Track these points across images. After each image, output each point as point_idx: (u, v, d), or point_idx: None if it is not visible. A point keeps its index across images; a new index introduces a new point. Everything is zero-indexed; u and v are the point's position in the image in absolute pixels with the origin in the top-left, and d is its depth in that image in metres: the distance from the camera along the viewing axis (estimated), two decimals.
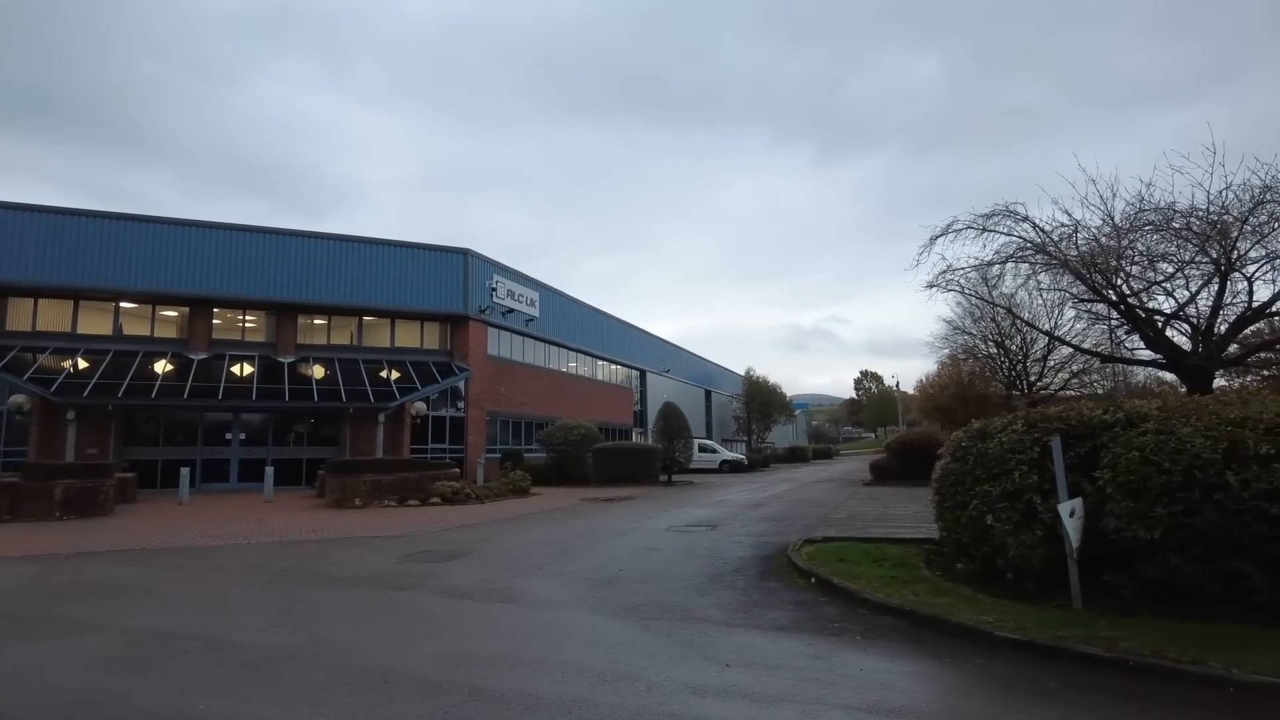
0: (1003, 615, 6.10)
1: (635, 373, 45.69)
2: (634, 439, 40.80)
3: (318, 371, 25.96)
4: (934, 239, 13.93)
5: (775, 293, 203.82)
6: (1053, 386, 28.34)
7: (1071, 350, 22.76)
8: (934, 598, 6.81)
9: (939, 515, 8.43)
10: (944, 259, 14.14)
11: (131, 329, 25.22)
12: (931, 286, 14.62)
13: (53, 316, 24.30)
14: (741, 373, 62.72)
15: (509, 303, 30.56)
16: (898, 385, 79.95)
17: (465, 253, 28.97)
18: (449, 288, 28.41)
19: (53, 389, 21.65)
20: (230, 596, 7.98)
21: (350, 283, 26.77)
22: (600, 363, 41.11)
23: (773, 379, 61.32)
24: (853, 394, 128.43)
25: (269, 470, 21.24)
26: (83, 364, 23.08)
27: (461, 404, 28.77)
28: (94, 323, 24.76)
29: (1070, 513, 6.33)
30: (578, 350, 37.94)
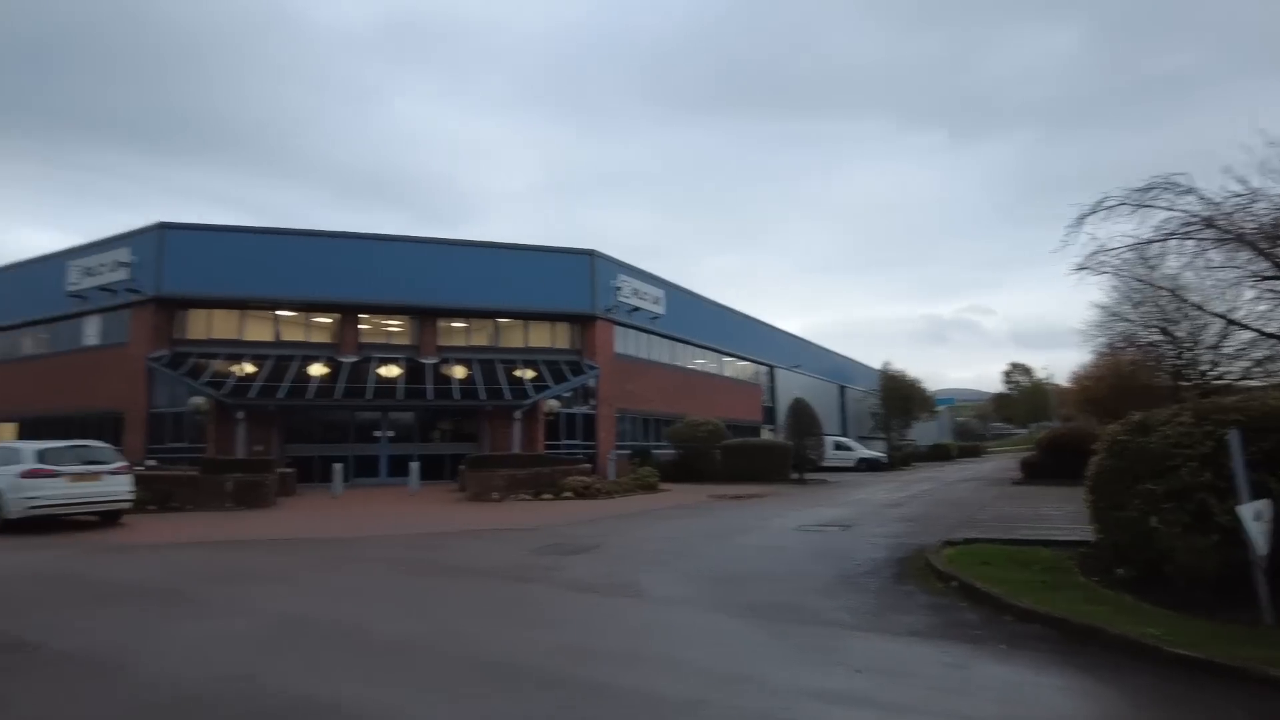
0: (1171, 628, 5.48)
1: (763, 369, 45.05)
2: (763, 436, 40.24)
3: (458, 372, 27.13)
4: (1082, 218, 12.80)
5: (909, 283, 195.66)
6: (1229, 376, 25.57)
7: (1254, 334, 20.39)
8: (1089, 606, 6.23)
9: (1094, 516, 7.74)
10: (1094, 239, 12.98)
11: (289, 335, 27.28)
12: (1081, 269, 13.46)
13: (223, 326, 26.66)
14: (877, 367, 60.54)
15: (634, 301, 30.86)
16: (1050, 378, 74.88)
17: (590, 254, 29.49)
18: (576, 289, 29.02)
19: (224, 391, 23.75)
20: (369, 585, 8.42)
21: (485, 287, 27.82)
22: (726, 359, 40.81)
23: (912, 373, 58.64)
24: (1000, 388, 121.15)
25: (414, 465, 22.43)
26: (249, 368, 25.16)
27: (592, 401, 29.32)
28: (257, 330, 26.98)
29: (1255, 515, 5.61)
30: (703, 347, 37.82)
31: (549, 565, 9.38)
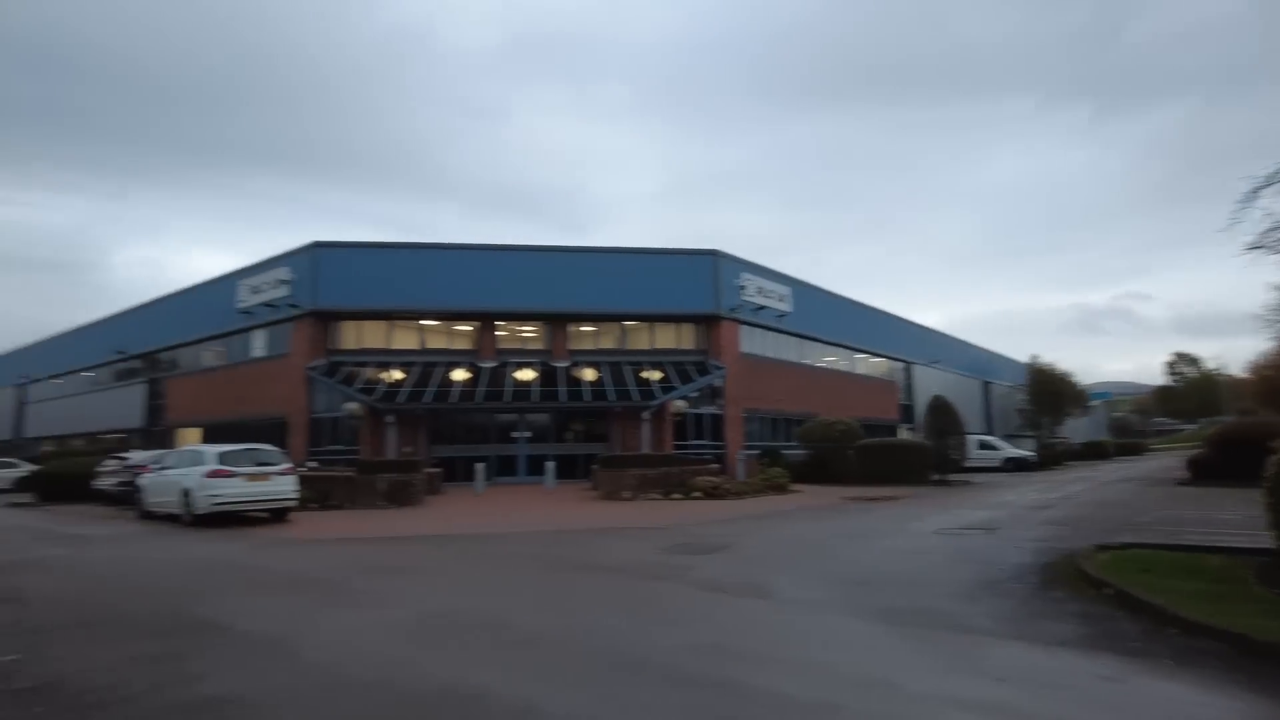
0: None
1: (899, 365, 43.51)
2: (900, 435, 38.84)
3: (588, 374, 27.84)
4: (1256, 191, 11.61)
5: (1056, 271, 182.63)
6: None
7: None
8: (1269, 620, 5.68)
9: (1273, 521, 7.04)
10: (1270, 214, 11.75)
11: (433, 343, 28.91)
12: (1255, 249, 12.22)
13: (372, 336, 28.59)
14: (1024, 360, 57.08)
15: (759, 300, 30.58)
16: (1222, 368, 68.12)
17: (713, 254, 29.49)
18: (700, 289, 29.11)
19: (375, 397, 25.44)
20: (508, 580, 8.82)
21: (611, 291, 28.42)
22: (859, 356, 39.71)
23: (1062, 366, 54.91)
24: (1163, 380, 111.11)
25: (550, 465, 23.22)
26: (397, 375, 26.84)
27: (720, 401, 29.31)
28: (404, 339, 28.75)
29: None
30: (833, 344, 36.97)
31: (680, 564, 9.49)
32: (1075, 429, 59.53)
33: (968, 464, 30.35)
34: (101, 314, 42.33)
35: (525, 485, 25.99)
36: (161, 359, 36.79)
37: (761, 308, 30.83)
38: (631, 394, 26.56)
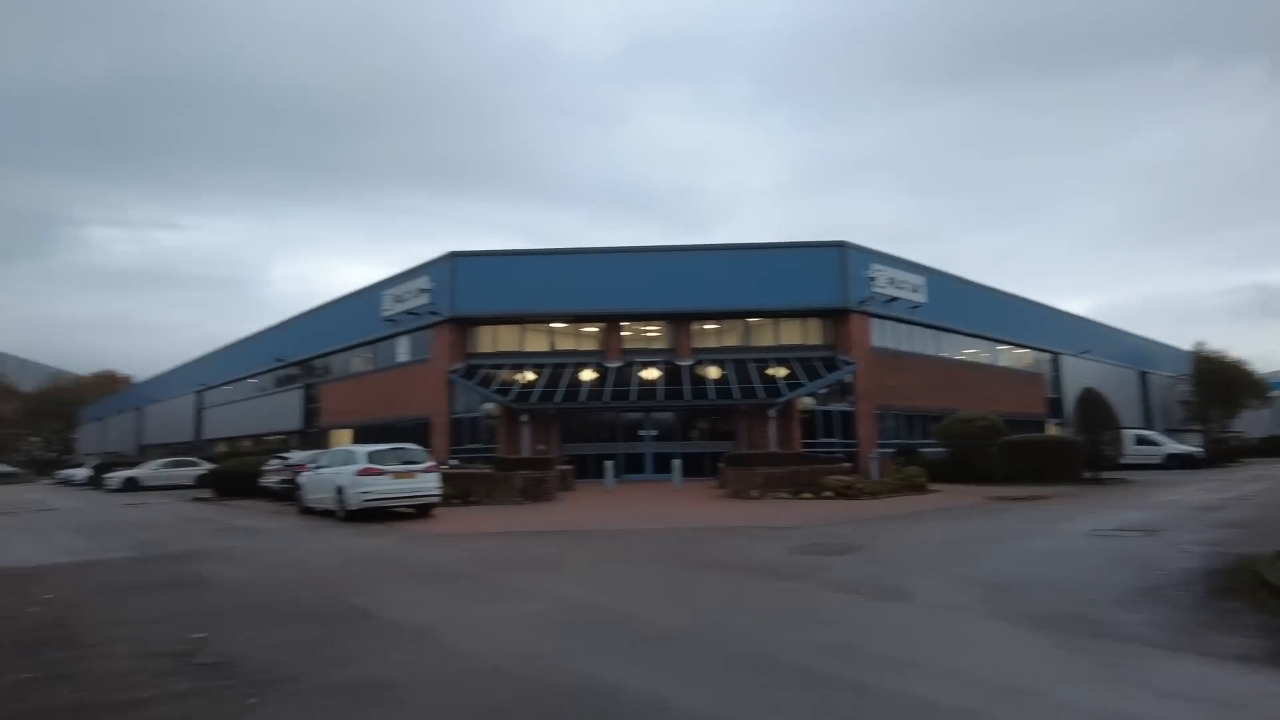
0: None
1: (1045, 356, 40.91)
2: (1047, 430, 36.50)
3: (712, 372, 27.81)
4: None
5: (1226, 249, 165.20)
6: None
7: None
8: None
9: None
10: None
11: (562, 345, 29.75)
12: None
13: (506, 339, 29.75)
14: (1187, 348, 52.31)
15: (890, 291, 29.53)
16: None
17: (840, 245, 28.73)
18: (827, 282, 28.43)
19: (510, 398, 26.44)
20: (640, 575, 8.95)
21: (734, 288, 28.26)
22: (1000, 347, 37.62)
23: (1234, 353, 49.81)
24: None
25: (676, 463, 23.37)
26: (530, 376, 27.78)
27: (850, 398, 28.55)
28: (535, 342, 29.75)
29: None
30: (972, 335, 35.19)
31: (811, 564, 9.33)
32: (1253, 422, 54.00)
33: (1124, 461, 28.12)
34: (262, 326, 46.20)
35: (652, 483, 26.26)
36: (316, 365, 39.70)
37: (893, 299, 29.76)
38: (757, 391, 26.31)
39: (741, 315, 29.44)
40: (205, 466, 32.75)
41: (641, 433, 28.16)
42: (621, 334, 29.41)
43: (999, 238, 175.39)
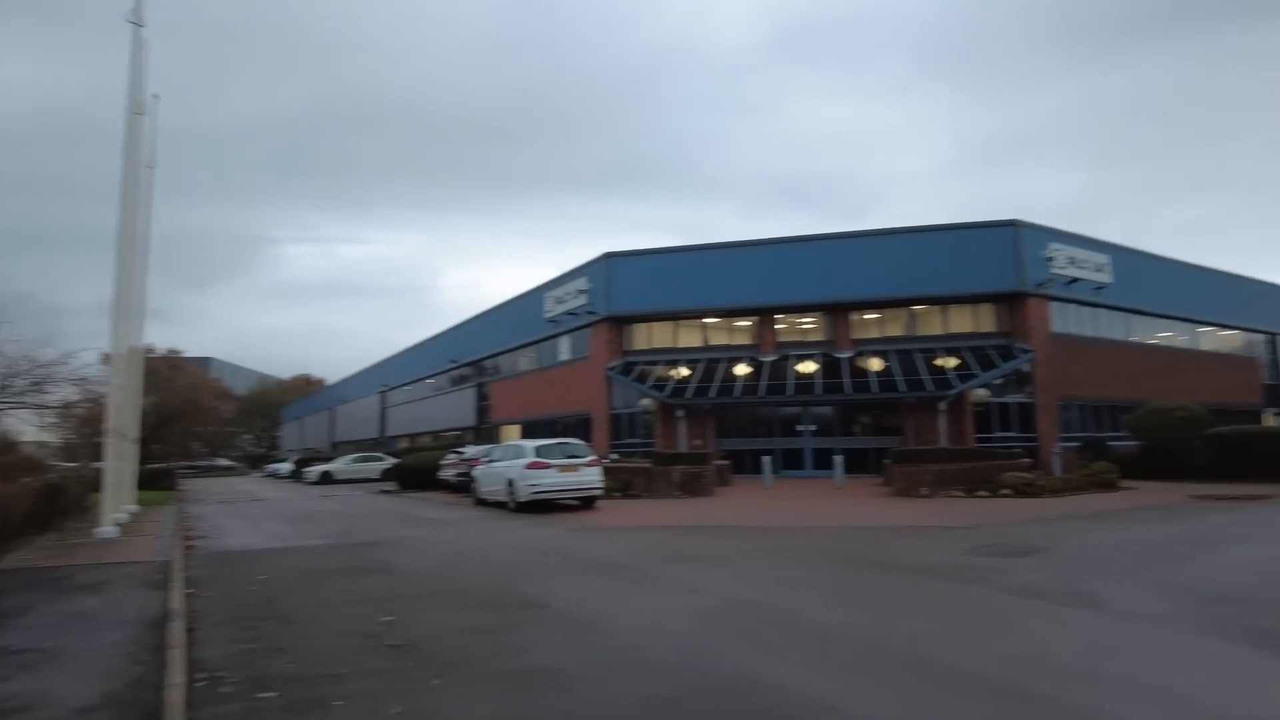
0: None
1: (1259, 338, 36.35)
2: (1264, 421, 32.37)
3: (874, 364, 26.80)
4: None
5: None
6: None
7: None
8: None
9: None
10: None
11: (716, 340, 29.71)
12: None
13: (660, 336, 30.09)
14: None
15: (1070, 271, 27.15)
16: None
17: (1013, 224, 26.77)
18: (999, 264, 26.57)
19: (666, 393, 26.73)
20: (799, 574, 8.75)
21: (896, 275, 27.05)
22: (1202, 329, 33.77)
23: None
24: None
25: (837, 459, 22.70)
26: (684, 372, 27.97)
27: (1028, 388, 26.60)
28: (689, 337, 29.88)
29: None
30: (1168, 317, 31.77)
31: (989, 567, 8.76)
32: None
33: None
34: (437, 330, 49.38)
35: (812, 480, 25.68)
36: (486, 365, 41.95)
37: (1074, 280, 27.37)
38: (925, 383, 25.08)
39: (905, 303, 28.12)
40: (389, 461, 35.45)
41: (799, 428, 27.62)
42: (776, 327, 28.96)
43: (1197, 209, 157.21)
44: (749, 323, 29.52)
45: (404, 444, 47.46)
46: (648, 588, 7.95)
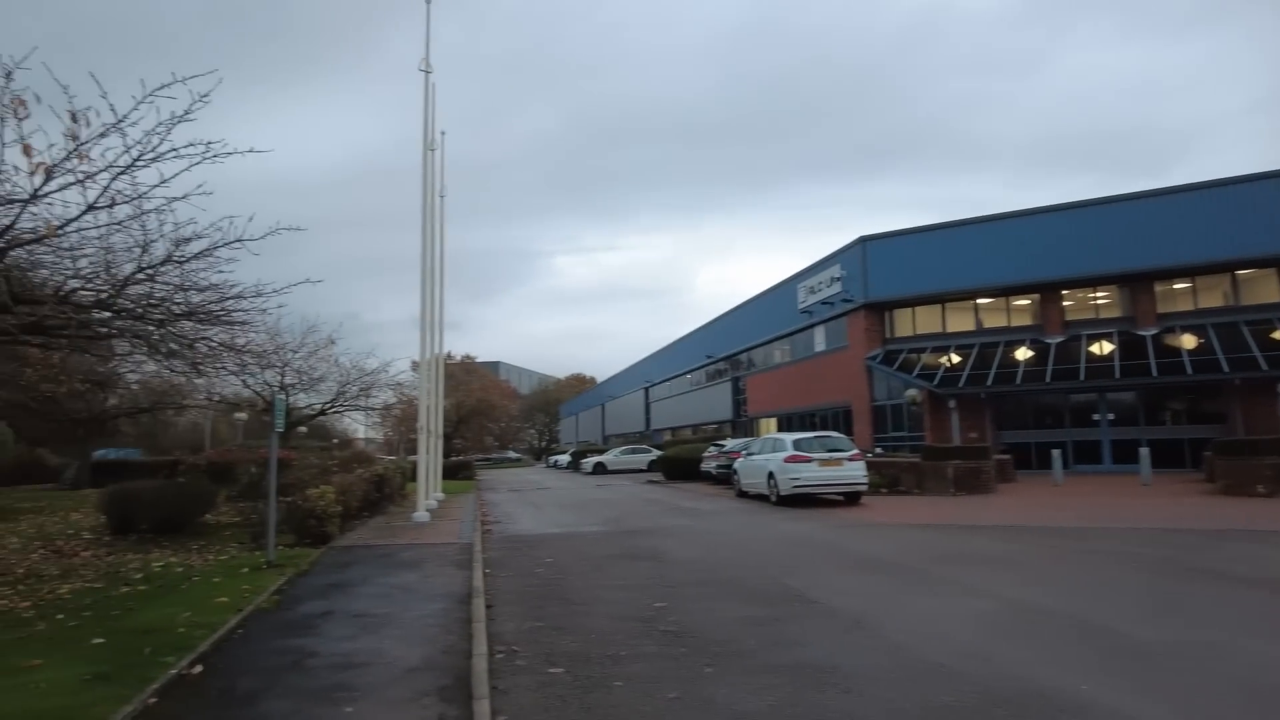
0: None
1: None
2: None
3: (1186, 341, 23.11)
4: None
5: None
6: None
7: None
8: None
9: None
10: None
11: (990, 322, 27.35)
12: None
13: (925, 321, 28.32)
14: None
15: None
16: None
17: None
18: None
19: (935, 382, 25.10)
20: (1101, 581, 7.72)
21: (1211, 235, 23.02)
22: None
23: None
24: None
25: (1143, 451, 19.84)
26: (955, 358, 26.07)
27: None
28: (958, 321, 27.80)
29: None
30: None
31: None
32: None
33: None
34: (693, 327, 50.71)
35: (1112, 475, 22.74)
36: (740, 359, 42.30)
37: None
38: (1257, 361, 21.10)
39: (1224, 268, 23.86)
40: (655, 453, 37.02)
41: (1095, 417, 24.58)
42: (1063, 304, 25.99)
43: None
44: (1028, 301, 26.82)
45: (667, 437, 49.35)
46: (921, 588, 7.48)
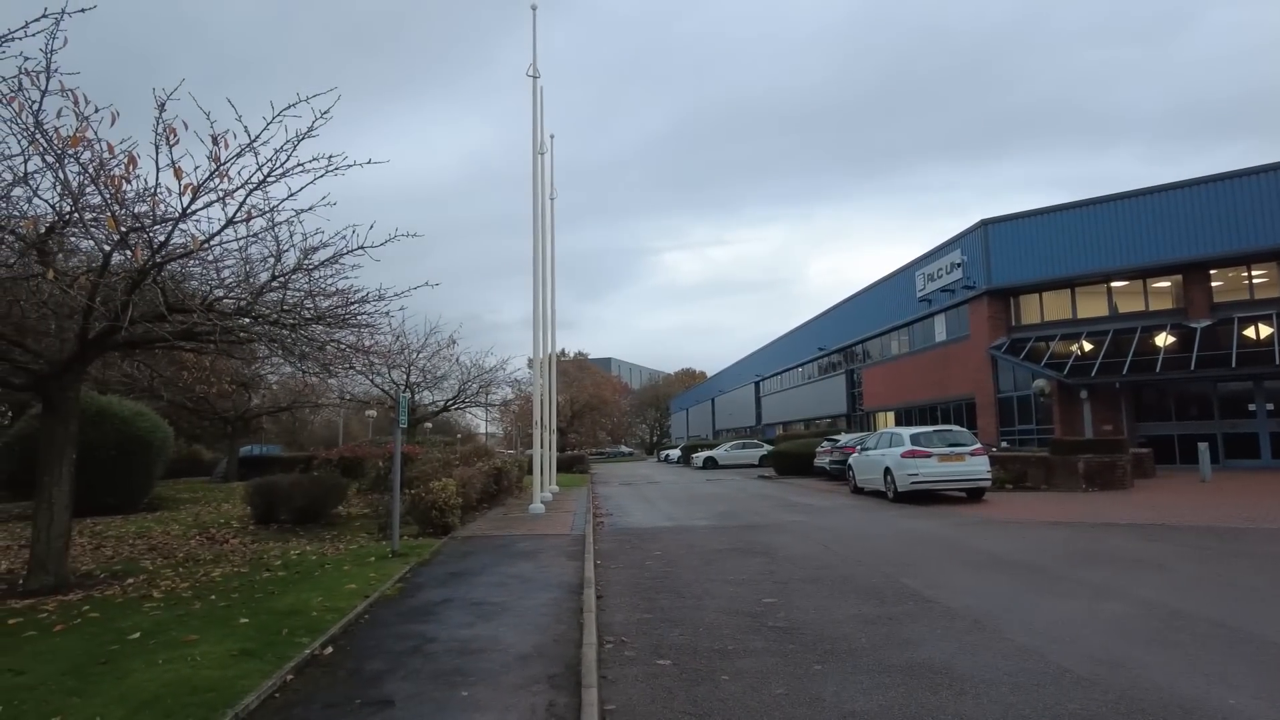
0: None
1: None
2: None
3: None
4: None
5: None
6: None
7: None
8: None
9: None
10: None
11: (1125, 306, 25.50)
12: None
13: (1053, 307, 26.71)
14: None
15: None
16: None
17: None
18: None
19: (1065, 372, 23.65)
20: (1258, 585, 7.08)
21: None
22: None
23: None
24: None
25: None
26: (1087, 346, 24.48)
27: None
28: (1090, 306, 26.07)
29: None
30: None
31: None
32: None
33: None
34: (804, 319, 49.73)
35: (1271, 471, 20.80)
36: (855, 351, 41.18)
37: None
38: None
39: None
40: (766, 448, 36.63)
41: (1251, 407, 22.53)
42: (1210, 284, 23.92)
43: None
44: (1169, 283, 24.85)
45: (778, 431, 48.70)
46: (1047, 589, 7.09)
